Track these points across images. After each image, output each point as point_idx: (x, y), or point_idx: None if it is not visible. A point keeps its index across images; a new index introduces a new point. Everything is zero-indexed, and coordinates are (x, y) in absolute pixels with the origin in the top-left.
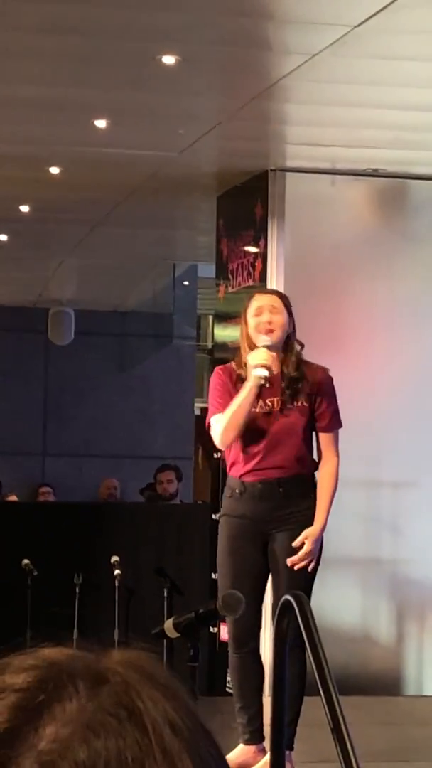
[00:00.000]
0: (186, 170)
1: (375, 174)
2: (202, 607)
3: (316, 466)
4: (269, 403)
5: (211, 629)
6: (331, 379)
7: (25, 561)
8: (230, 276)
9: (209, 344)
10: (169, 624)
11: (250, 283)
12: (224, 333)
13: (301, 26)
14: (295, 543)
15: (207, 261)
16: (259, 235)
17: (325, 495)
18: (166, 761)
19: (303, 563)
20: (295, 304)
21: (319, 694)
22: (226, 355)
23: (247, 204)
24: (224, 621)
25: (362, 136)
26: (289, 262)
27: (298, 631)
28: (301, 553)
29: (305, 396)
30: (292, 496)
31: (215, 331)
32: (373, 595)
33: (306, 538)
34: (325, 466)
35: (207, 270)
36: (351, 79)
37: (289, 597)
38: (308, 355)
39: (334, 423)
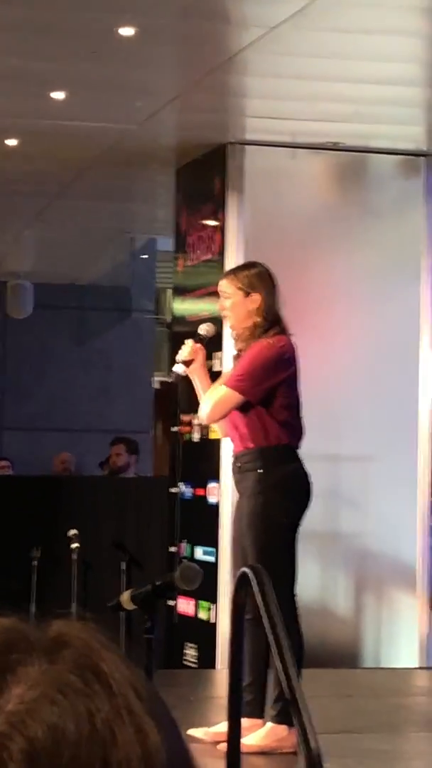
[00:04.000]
0: (144, 143)
1: (335, 147)
2: (159, 579)
3: (270, 439)
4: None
5: (169, 602)
6: (257, 347)
7: None
8: (189, 249)
9: (168, 317)
10: (126, 596)
11: (209, 256)
12: (183, 306)
13: None
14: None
15: (166, 234)
16: (218, 209)
17: (212, 389)
18: (132, 722)
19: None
20: None
21: (276, 666)
22: (185, 328)
23: (206, 177)
24: (182, 594)
25: (322, 110)
26: (248, 235)
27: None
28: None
29: None
30: (244, 470)
31: (174, 305)
32: (331, 569)
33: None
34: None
35: (166, 243)
36: (311, 52)
37: (246, 569)
38: None
39: (228, 380)
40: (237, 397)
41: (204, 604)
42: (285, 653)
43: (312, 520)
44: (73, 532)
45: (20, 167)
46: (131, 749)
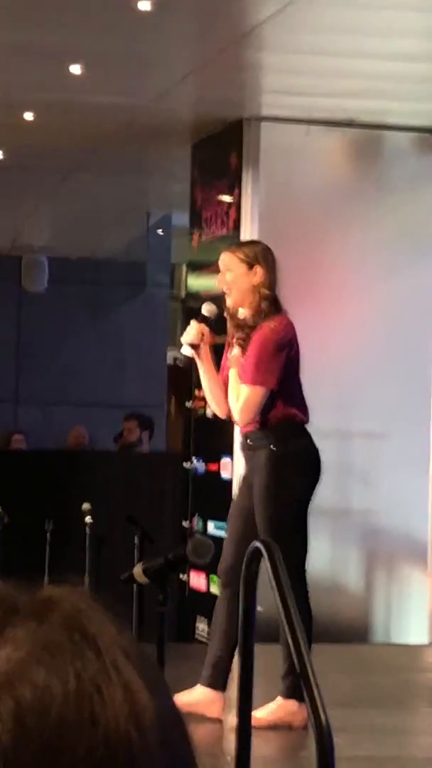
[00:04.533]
0: (161, 118)
1: (350, 124)
2: (171, 553)
3: (280, 416)
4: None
5: (181, 576)
6: (262, 334)
7: None
8: (204, 225)
9: (183, 293)
10: (138, 569)
11: (224, 232)
12: (197, 282)
13: None
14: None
15: (181, 210)
16: (234, 184)
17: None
18: (120, 682)
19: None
20: None
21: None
22: (199, 304)
23: (221, 153)
24: (194, 568)
25: (338, 86)
26: (263, 211)
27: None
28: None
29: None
30: (255, 447)
31: (189, 280)
32: (342, 545)
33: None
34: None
35: (181, 219)
36: (327, 27)
37: (257, 543)
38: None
39: (245, 375)
40: (262, 391)
41: (215, 578)
42: (296, 628)
43: (323, 496)
44: (86, 505)
45: (37, 141)
46: (119, 708)
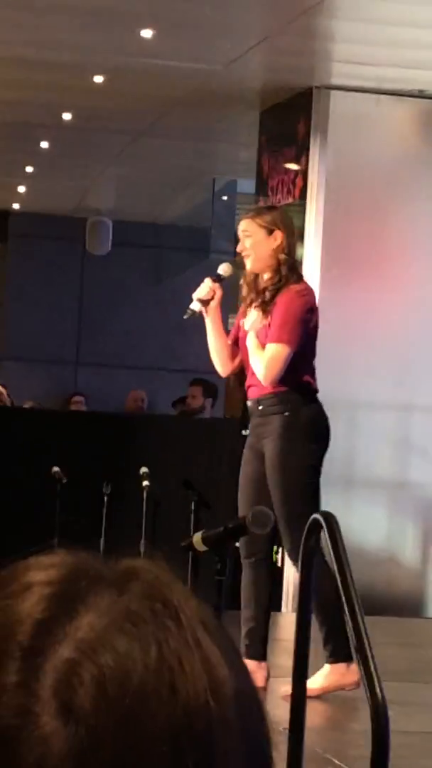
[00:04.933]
0: (230, 84)
1: (420, 95)
2: (231, 522)
3: (295, 382)
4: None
5: (237, 544)
6: (289, 296)
7: (55, 468)
8: (270, 192)
9: None
10: (197, 537)
11: (290, 200)
12: None
13: None
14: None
15: (247, 176)
16: (301, 153)
17: (258, 350)
18: (199, 654)
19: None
20: (334, 223)
21: (344, 614)
22: None
23: (290, 121)
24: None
25: (409, 57)
26: (330, 180)
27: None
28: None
29: (271, 315)
30: (267, 413)
31: None
32: (399, 518)
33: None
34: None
35: (247, 185)
36: None
37: (318, 516)
38: (345, 275)
39: (272, 334)
40: (287, 351)
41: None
42: (354, 601)
43: (381, 468)
44: (143, 470)
45: (106, 104)
46: (198, 679)
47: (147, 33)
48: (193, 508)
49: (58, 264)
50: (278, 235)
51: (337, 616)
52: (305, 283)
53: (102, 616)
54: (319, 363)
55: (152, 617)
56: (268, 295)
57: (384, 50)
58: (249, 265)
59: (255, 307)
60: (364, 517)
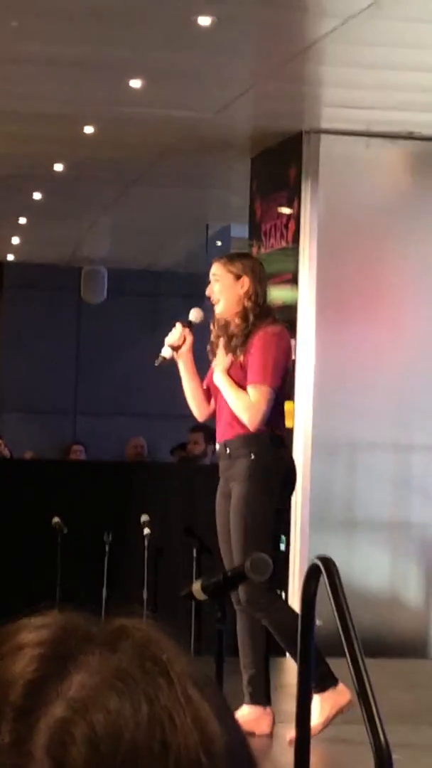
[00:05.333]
0: (220, 131)
1: (410, 137)
2: (230, 570)
3: (267, 426)
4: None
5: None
6: (265, 338)
7: (56, 519)
8: (263, 237)
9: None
10: (197, 586)
11: (284, 244)
12: None
13: None
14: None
15: (240, 222)
16: (293, 197)
17: (241, 394)
18: (190, 710)
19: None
20: (328, 265)
21: (345, 656)
22: None
23: (281, 165)
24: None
25: (397, 99)
26: (322, 224)
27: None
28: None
29: (244, 356)
30: (235, 456)
31: None
32: (402, 559)
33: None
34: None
35: (240, 230)
36: (387, 41)
37: (317, 561)
38: (340, 317)
39: (252, 376)
40: (269, 391)
41: None
42: (354, 645)
43: (382, 509)
44: (144, 517)
45: (97, 154)
46: (189, 735)
47: (136, 83)
48: (194, 554)
49: (54, 314)
50: (245, 282)
51: (260, 659)
52: (281, 326)
53: (93, 675)
54: (318, 404)
55: (142, 675)
56: (236, 341)
57: (373, 93)
58: (217, 309)
59: (229, 349)
60: (366, 559)
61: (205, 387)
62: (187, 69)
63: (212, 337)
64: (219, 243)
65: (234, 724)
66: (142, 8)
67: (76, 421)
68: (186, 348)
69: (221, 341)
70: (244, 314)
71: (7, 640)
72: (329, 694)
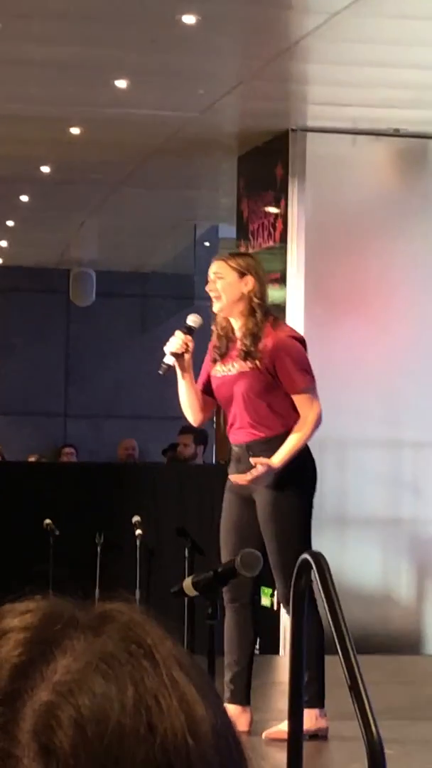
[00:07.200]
0: (207, 131)
1: (396, 134)
2: (220, 566)
3: (288, 426)
4: (230, 366)
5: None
6: (285, 342)
7: (47, 521)
8: (251, 237)
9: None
10: (188, 582)
11: (271, 243)
12: None
13: None
14: (253, 460)
15: (228, 222)
16: (280, 196)
17: (293, 436)
18: (176, 693)
19: (244, 479)
20: (315, 264)
21: (337, 653)
22: None
23: (267, 164)
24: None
25: (383, 96)
26: (310, 222)
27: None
28: (248, 476)
29: (261, 360)
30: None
31: None
32: (393, 555)
33: (261, 463)
34: (301, 420)
35: (228, 231)
36: (372, 38)
37: (307, 556)
38: (329, 315)
39: (297, 384)
40: (315, 392)
41: (266, 590)
42: (346, 640)
43: (374, 506)
44: (136, 518)
45: (84, 155)
46: (176, 717)
47: (121, 83)
48: (186, 554)
49: (43, 316)
50: (249, 280)
51: (320, 664)
52: (287, 325)
53: (78, 658)
54: None
55: (128, 658)
56: (247, 341)
57: (358, 91)
58: (217, 307)
59: (236, 358)
60: (358, 556)
61: (200, 389)
62: (172, 68)
63: (214, 338)
64: (207, 243)
65: (220, 707)
66: (126, 8)
67: (66, 424)
68: (188, 355)
69: (226, 346)
70: (251, 313)
71: None
72: (311, 712)
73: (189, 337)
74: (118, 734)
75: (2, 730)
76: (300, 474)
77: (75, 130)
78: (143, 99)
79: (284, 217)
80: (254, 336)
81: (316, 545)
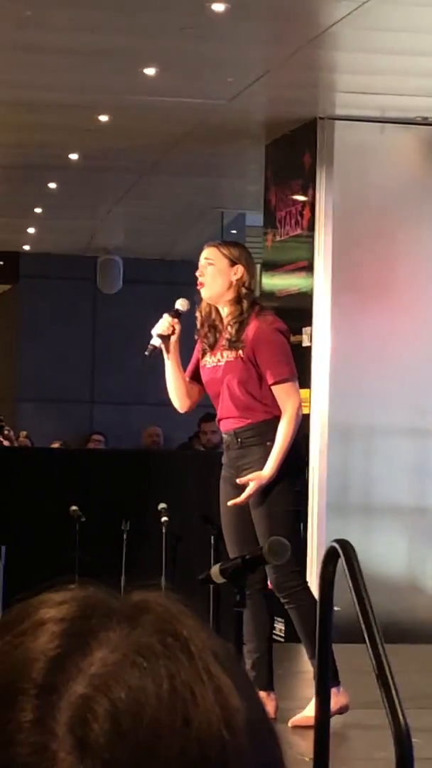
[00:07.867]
0: (235, 118)
1: (424, 122)
2: (248, 553)
3: (272, 414)
4: (219, 357)
5: None
6: (267, 333)
7: (73, 507)
8: (278, 225)
9: (257, 293)
10: (215, 570)
11: (298, 231)
12: (271, 282)
13: None
14: (240, 480)
15: (255, 210)
16: (308, 184)
17: (277, 445)
18: (211, 684)
19: (240, 502)
20: (343, 252)
21: (365, 641)
22: (274, 303)
23: (295, 152)
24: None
25: (412, 84)
26: (337, 210)
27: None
28: (242, 496)
29: (244, 349)
30: (247, 445)
31: (263, 280)
32: (419, 544)
33: (251, 479)
34: (281, 419)
35: (255, 219)
36: (401, 26)
37: (334, 544)
38: (356, 303)
39: (276, 375)
40: (294, 383)
41: None
42: (373, 628)
43: (400, 494)
44: (162, 505)
45: (111, 143)
46: (211, 710)
47: (150, 71)
48: (212, 542)
49: (70, 303)
50: (239, 269)
51: (265, 644)
52: (272, 314)
53: (114, 650)
54: (334, 390)
55: (163, 650)
56: (232, 330)
57: (386, 79)
58: (204, 293)
59: (222, 348)
60: (384, 545)
61: (188, 377)
62: (201, 56)
63: (198, 325)
64: (234, 231)
65: (255, 699)
66: None
67: (93, 411)
68: (174, 338)
69: (211, 335)
70: (238, 301)
71: (28, 615)
72: (332, 693)
73: (176, 320)
74: (154, 727)
75: (39, 724)
76: (286, 460)
77: (103, 118)
78: (171, 86)
79: (312, 205)
80: (240, 324)
81: (341, 533)
